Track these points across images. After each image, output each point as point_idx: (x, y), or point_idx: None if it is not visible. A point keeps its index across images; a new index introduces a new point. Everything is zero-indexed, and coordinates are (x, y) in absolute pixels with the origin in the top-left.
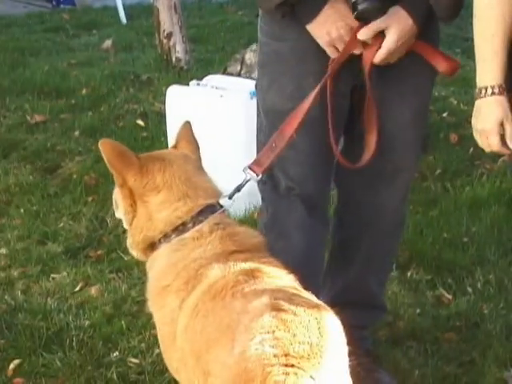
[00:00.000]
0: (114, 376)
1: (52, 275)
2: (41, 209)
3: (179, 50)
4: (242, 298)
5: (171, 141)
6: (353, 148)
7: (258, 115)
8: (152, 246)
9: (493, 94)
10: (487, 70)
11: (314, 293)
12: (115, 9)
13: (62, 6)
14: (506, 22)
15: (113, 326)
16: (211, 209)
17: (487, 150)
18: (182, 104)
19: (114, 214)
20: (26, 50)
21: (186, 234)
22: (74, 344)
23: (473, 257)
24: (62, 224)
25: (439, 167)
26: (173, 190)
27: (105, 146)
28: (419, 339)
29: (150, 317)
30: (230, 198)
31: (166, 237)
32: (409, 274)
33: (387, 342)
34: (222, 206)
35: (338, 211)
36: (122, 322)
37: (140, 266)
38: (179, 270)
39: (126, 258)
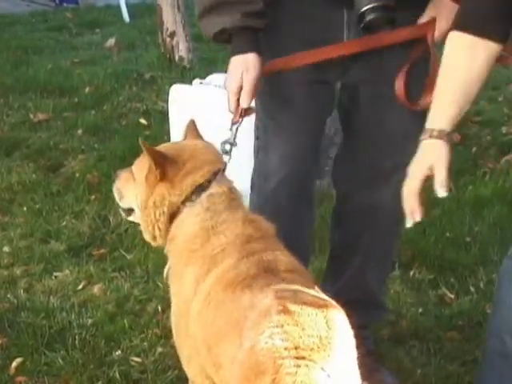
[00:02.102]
0: (117, 375)
1: (55, 273)
2: (44, 207)
3: (182, 49)
4: (249, 293)
5: (174, 139)
6: (352, 145)
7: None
8: (172, 218)
9: (431, 137)
10: (439, 115)
11: None
12: (118, 7)
13: (65, 4)
14: (467, 86)
15: (115, 325)
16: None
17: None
18: (184, 103)
19: (116, 212)
20: (29, 49)
21: (212, 190)
22: (76, 342)
23: (475, 256)
24: (64, 222)
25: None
26: (196, 162)
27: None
28: (422, 338)
29: (152, 316)
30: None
31: (187, 200)
32: (411, 273)
33: (390, 340)
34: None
35: (336, 211)
36: (125, 321)
37: (143, 264)
38: (209, 235)
39: (128, 257)
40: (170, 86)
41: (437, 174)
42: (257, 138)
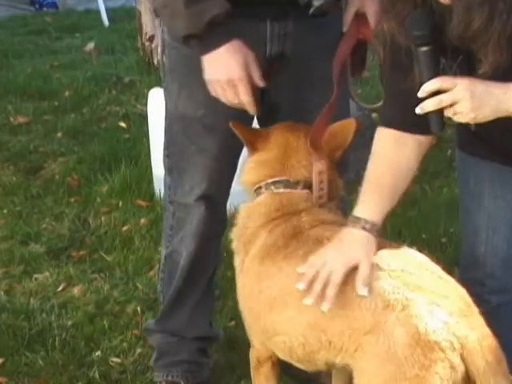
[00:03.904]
0: (97, 375)
1: (35, 275)
2: (23, 209)
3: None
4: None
5: (153, 142)
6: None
7: (166, 119)
8: None
9: (363, 228)
10: (369, 206)
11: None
12: (98, 12)
13: (44, 9)
14: (398, 178)
15: (95, 326)
16: None
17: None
18: (163, 106)
19: (96, 214)
20: (9, 53)
21: None
22: (56, 343)
23: (451, 257)
24: (44, 225)
25: (418, 169)
26: None
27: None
28: None
29: (131, 317)
30: None
31: None
32: None
33: None
34: None
35: None
36: (104, 322)
37: (122, 266)
38: None
39: (108, 259)
40: (149, 89)
41: (361, 270)
42: None
